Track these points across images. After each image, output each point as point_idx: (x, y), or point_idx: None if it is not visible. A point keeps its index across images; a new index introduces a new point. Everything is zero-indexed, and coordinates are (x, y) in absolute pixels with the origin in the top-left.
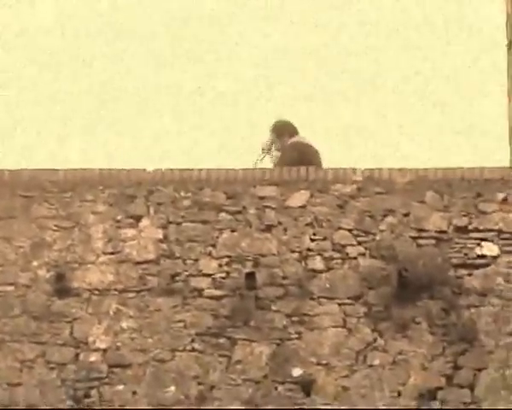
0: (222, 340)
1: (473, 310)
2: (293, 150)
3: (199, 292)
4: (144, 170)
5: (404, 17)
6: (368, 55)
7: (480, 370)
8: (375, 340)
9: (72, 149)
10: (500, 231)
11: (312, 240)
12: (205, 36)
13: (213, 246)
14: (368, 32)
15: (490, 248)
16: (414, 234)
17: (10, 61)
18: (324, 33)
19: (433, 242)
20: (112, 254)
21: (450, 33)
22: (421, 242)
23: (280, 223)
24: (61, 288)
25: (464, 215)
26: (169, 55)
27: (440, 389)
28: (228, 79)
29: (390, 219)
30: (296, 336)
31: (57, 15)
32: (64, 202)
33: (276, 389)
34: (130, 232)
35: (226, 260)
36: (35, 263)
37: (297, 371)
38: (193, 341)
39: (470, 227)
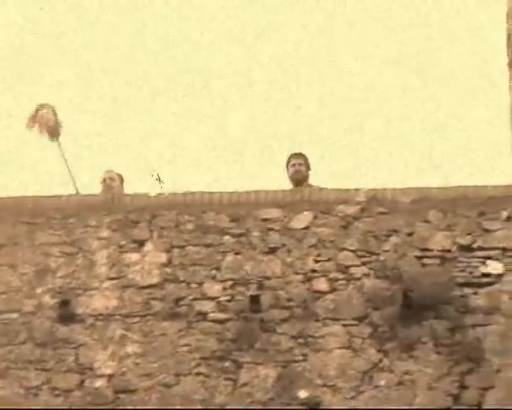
0: (227, 363)
1: (478, 329)
2: None
3: (203, 316)
4: (147, 194)
5: (406, 35)
6: (370, 78)
7: (486, 389)
8: (380, 360)
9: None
10: (504, 249)
11: (316, 261)
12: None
13: (217, 269)
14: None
15: (494, 267)
16: (418, 253)
17: None
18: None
19: (438, 261)
20: (116, 279)
21: (451, 51)
22: (425, 261)
23: (284, 245)
24: (66, 314)
25: (468, 234)
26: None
27: (447, 409)
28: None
29: (394, 239)
30: (302, 358)
31: None
32: (68, 227)
33: None
34: (133, 257)
35: (230, 283)
36: (39, 290)
37: (303, 394)
38: (198, 365)
39: (474, 246)
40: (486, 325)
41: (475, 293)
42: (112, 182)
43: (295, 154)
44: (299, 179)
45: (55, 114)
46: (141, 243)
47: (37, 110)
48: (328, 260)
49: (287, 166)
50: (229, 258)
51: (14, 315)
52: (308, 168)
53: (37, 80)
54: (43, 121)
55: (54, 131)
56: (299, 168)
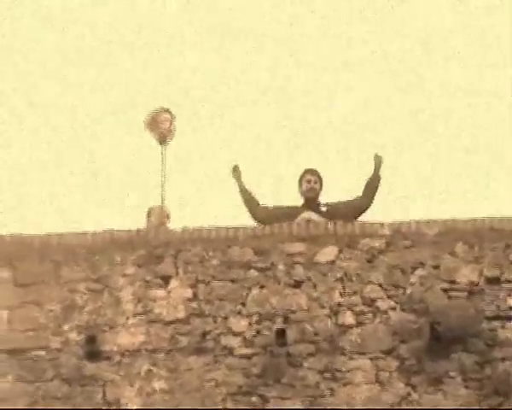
0: (254, 398)
1: (507, 362)
2: None
3: (229, 350)
4: (172, 230)
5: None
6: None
7: None
8: (408, 394)
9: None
10: None
11: (342, 295)
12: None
13: (243, 304)
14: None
15: None
16: (445, 286)
17: None
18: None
19: (465, 294)
20: (142, 314)
21: (477, 79)
22: (452, 294)
23: (309, 278)
24: (92, 351)
25: (495, 266)
26: None
27: None
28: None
29: (420, 271)
30: (329, 392)
31: None
32: (93, 264)
33: None
34: (159, 293)
35: (256, 317)
36: (66, 326)
37: None
38: (225, 400)
39: (502, 278)
40: None
41: (503, 326)
42: (165, 219)
43: (310, 170)
44: (312, 197)
45: (173, 120)
46: (166, 279)
47: (157, 113)
48: (354, 293)
49: (300, 181)
50: (255, 292)
51: (42, 352)
52: (321, 186)
53: None
54: (162, 125)
55: (167, 137)
56: (313, 186)
